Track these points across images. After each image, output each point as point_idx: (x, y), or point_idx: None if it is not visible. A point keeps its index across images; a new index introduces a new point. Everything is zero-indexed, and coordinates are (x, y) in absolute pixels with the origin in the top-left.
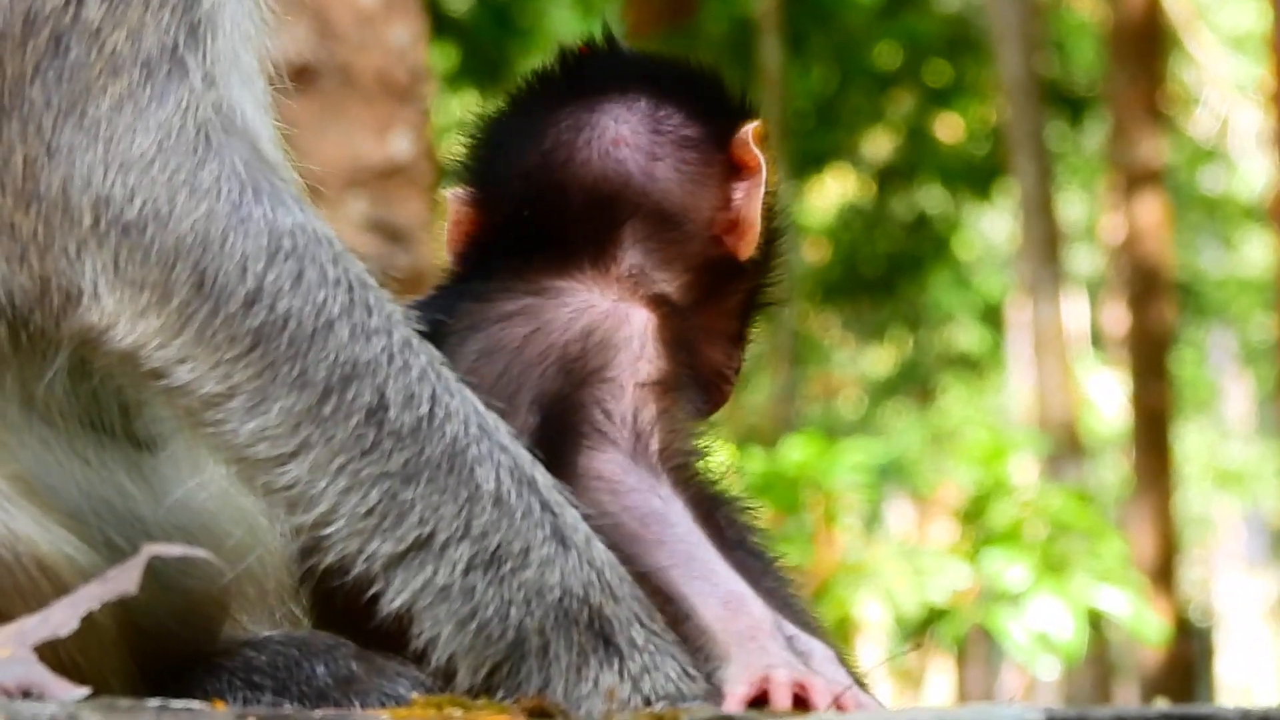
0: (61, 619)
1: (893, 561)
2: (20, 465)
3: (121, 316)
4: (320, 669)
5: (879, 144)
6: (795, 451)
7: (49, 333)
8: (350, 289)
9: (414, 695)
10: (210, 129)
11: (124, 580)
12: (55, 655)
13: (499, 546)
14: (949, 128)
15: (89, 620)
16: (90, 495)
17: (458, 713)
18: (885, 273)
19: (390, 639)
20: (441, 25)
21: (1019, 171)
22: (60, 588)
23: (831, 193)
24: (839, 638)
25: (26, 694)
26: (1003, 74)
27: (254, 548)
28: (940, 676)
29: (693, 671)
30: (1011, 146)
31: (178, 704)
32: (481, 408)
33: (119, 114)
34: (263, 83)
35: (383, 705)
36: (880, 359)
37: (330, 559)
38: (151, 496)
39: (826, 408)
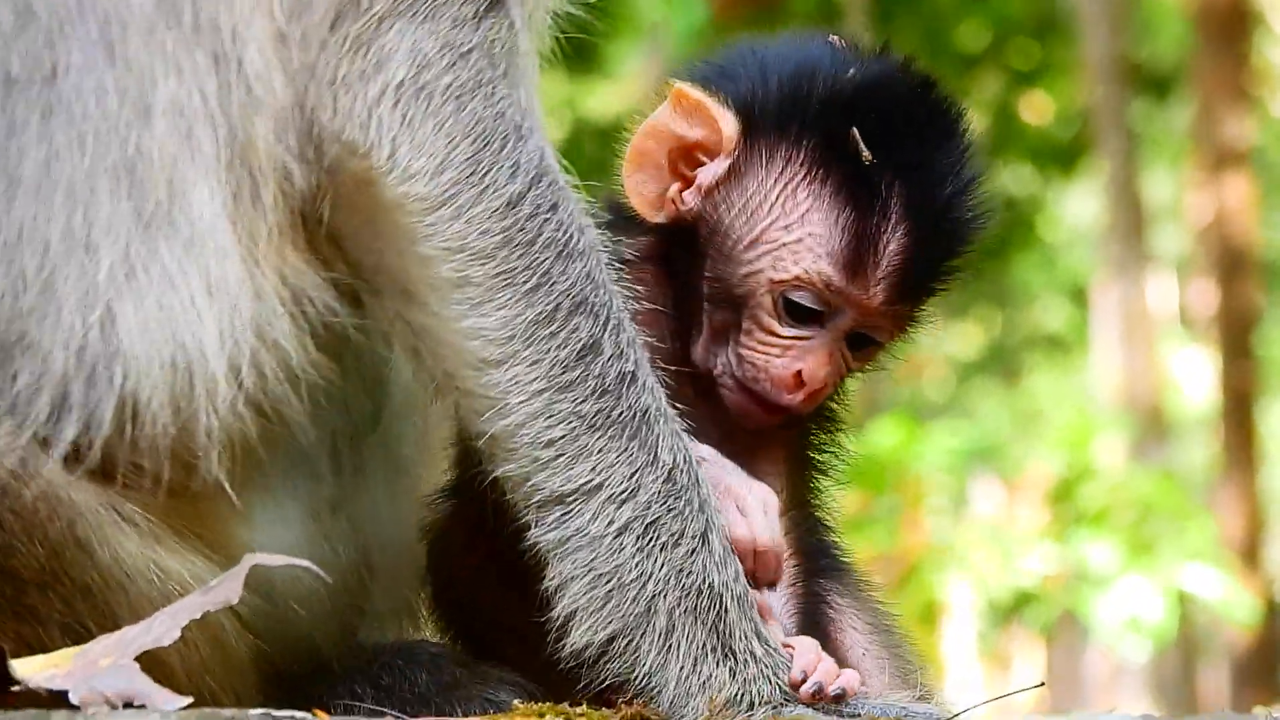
0: (163, 629)
1: (981, 544)
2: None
3: (394, 170)
4: (424, 676)
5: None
6: (886, 434)
7: (320, 181)
8: (588, 236)
9: (515, 702)
10: (516, 61)
11: (226, 590)
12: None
13: (657, 519)
14: (1035, 108)
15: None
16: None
17: None
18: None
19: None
20: None
21: (1105, 151)
22: None
23: None
24: (925, 621)
25: (129, 704)
26: (1089, 54)
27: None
28: (1028, 658)
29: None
30: (1098, 127)
31: (280, 714)
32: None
33: (449, 6)
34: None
35: (484, 711)
36: (966, 339)
37: (498, 472)
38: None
39: (913, 388)
